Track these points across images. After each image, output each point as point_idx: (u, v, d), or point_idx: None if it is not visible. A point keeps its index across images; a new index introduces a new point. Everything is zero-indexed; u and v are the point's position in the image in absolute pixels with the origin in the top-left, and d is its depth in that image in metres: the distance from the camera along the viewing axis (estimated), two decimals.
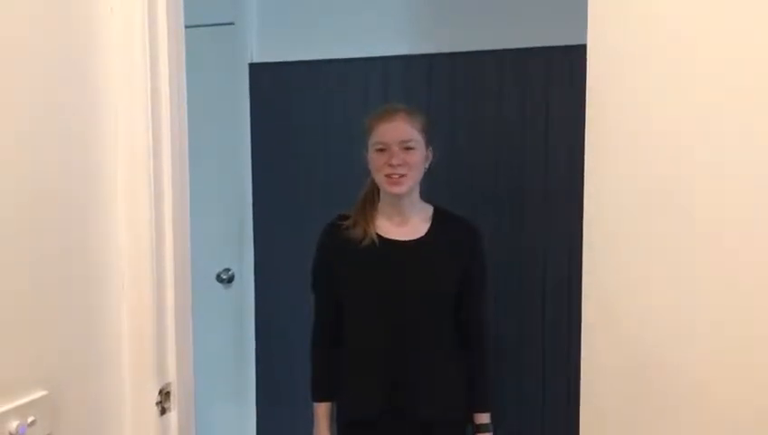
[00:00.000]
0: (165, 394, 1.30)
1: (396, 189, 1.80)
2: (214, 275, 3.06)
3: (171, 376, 1.31)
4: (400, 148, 1.78)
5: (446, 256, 1.87)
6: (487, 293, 1.98)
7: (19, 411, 1.06)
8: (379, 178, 1.82)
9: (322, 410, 1.93)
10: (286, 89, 2.84)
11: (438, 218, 1.91)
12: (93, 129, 1.20)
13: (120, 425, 1.28)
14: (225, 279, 3.06)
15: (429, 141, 1.86)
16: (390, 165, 1.78)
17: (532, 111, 2.52)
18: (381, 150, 1.80)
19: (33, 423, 1.08)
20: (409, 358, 1.83)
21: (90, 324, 1.21)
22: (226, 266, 3.06)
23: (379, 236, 1.86)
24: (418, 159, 1.81)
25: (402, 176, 1.78)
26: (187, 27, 1.35)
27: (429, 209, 1.92)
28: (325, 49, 2.76)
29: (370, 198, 1.91)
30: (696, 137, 0.99)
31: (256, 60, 2.89)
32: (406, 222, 1.88)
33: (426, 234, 1.87)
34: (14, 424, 1.04)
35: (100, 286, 1.22)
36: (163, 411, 1.30)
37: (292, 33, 2.84)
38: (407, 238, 1.86)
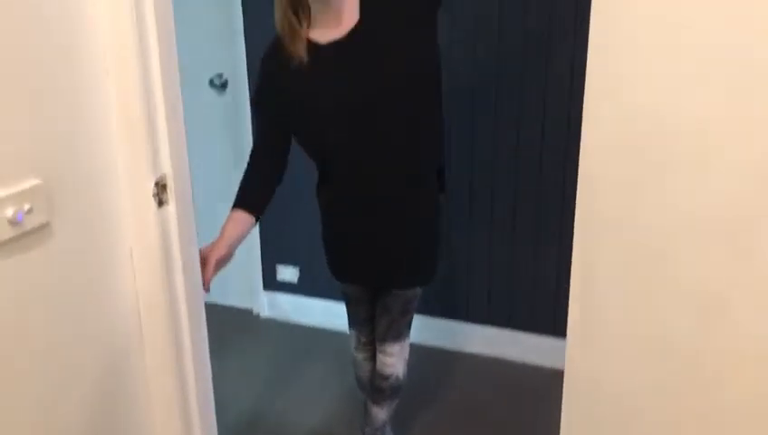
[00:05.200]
0: (161, 187, 1.29)
1: None
2: (206, 81, 2.99)
3: (166, 168, 1.29)
4: None
5: (394, 29, 1.66)
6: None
7: (14, 199, 1.06)
8: None
9: (232, 220, 1.71)
10: None
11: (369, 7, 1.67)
12: None
13: (118, 216, 1.29)
14: (219, 85, 2.99)
15: None
16: None
17: None
18: None
19: (29, 211, 1.08)
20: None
21: (78, 111, 1.17)
22: (219, 72, 2.99)
23: (316, 45, 1.68)
24: None
25: None
26: None
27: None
28: None
29: (293, 8, 1.67)
30: None
31: None
32: (341, 20, 1.67)
33: (356, 23, 1.66)
34: (10, 211, 1.05)
35: (86, 73, 1.17)
36: (161, 204, 1.30)
37: None
38: (337, 37, 1.67)
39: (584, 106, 1.04)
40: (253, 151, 1.84)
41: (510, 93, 2.56)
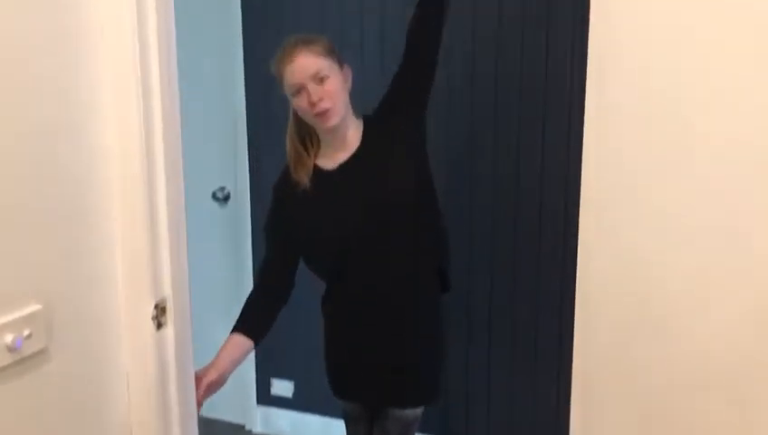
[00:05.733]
0: (161, 309, 1.30)
1: (329, 123, 1.71)
2: (209, 194, 3.05)
3: (166, 291, 1.31)
4: (314, 82, 1.68)
5: (393, 147, 1.77)
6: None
7: (14, 325, 1.06)
8: (310, 120, 1.74)
9: (230, 344, 1.72)
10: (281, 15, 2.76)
11: (368, 124, 1.80)
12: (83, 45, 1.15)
13: (116, 340, 1.28)
14: (221, 198, 3.05)
15: (340, 61, 1.75)
16: (312, 103, 1.68)
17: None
18: (299, 92, 1.70)
19: (29, 337, 1.08)
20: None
21: (82, 238, 1.20)
22: (222, 185, 3.05)
23: (323, 172, 1.78)
24: (336, 85, 1.71)
25: (328, 108, 1.69)
26: None
27: (361, 123, 1.81)
28: None
29: (300, 137, 1.80)
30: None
31: None
32: (346, 144, 1.78)
33: (358, 146, 1.77)
34: (9, 337, 1.05)
35: (91, 199, 1.21)
36: (159, 326, 1.30)
37: None
38: (341, 162, 1.78)
39: (579, 257, 1.07)
40: (260, 273, 1.88)
41: (505, 232, 2.62)
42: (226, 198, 3.05)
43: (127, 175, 1.24)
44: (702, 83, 1.00)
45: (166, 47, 1.26)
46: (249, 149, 2.95)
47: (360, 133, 1.79)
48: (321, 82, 1.69)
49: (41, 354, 1.12)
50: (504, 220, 2.59)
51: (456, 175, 2.60)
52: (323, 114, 1.69)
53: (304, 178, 1.76)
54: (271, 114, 2.83)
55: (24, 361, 1.09)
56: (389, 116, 1.81)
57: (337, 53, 1.75)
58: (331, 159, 1.79)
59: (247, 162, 2.96)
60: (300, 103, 1.72)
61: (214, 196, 3.05)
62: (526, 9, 2.45)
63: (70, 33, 1.14)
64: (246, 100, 2.89)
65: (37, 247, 1.11)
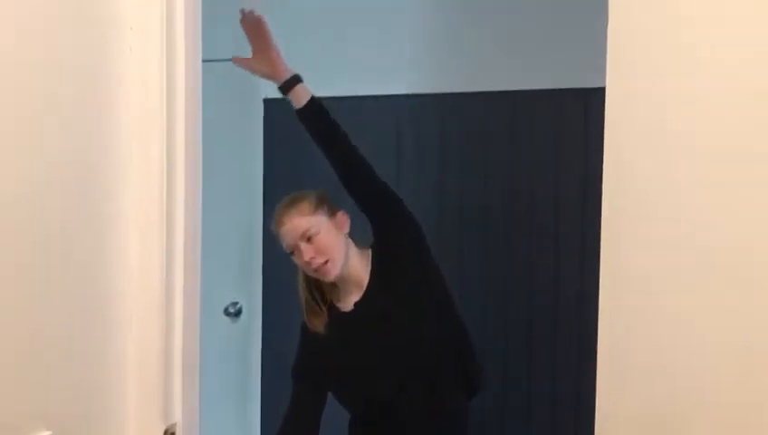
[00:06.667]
0: None
1: (328, 277, 1.75)
2: (221, 309, 3.05)
3: (176, 417, 1.29)
4: (305, 241, 1.73)
5: (399, 284, 1.78)
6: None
7: None
8: (312, 274, 1.78)
9: None
10: (299, 125, 2.85)
11: (376, 253, 1.82)
12: (107, 166, 1.20)
13: None
14: (233, 313, 3.05)
15: (331, 210, 1.78)
16: (307, 261, 1.73)
17: (545, 153, 2.52)
18: (294, 252, 1.76)
19: None
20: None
21: (95, 366, 1.20)
22: (234, 300, 3.05)
23: (342, 314, 1.81)
24: (327, 239, 1.74)
25: (324, 263, 1.73)
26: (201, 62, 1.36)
27: (369, 253, 1.82)
28: (339, 86, 2.77)
29: (309, 286, 1.83)
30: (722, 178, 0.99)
31: (270, 95, 2.90)
32: (360, 284, 1.81)
33: (368, 283, 1.79)
34: None
35: (106, 328, 1.21)
36: None
37: (307, 69, 2.85)
38: (355, 301, 1.80)
39: (597, 402, 1.06)
40: (286, 419, 1.84)
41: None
42: (238, 313, 3.05)
43: (144, 297, 1.25)
44: None
45: (193, 166, 1.31)
46: (264, 265, 2.97)
47: (369, 268, 1.80)
48: (310, 240, 1.73)
49: None
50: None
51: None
52: (320, 269, 1.74)
53: (318, 325, 1.80)
54: None
55: None
56: (385, 245, 1.82)
57: (327, 204, 1.78)
58: (346, 301, 1.82)
59: (261, 278, 2.98)
60: (298, 261, 1.77)
61: (226, 311, 3.05)
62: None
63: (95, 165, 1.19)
64: (263, 217, 2.94)
65: (50, 372, 1.11)
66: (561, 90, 2.48)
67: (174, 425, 1.29)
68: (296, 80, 1.80)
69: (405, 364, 1.76)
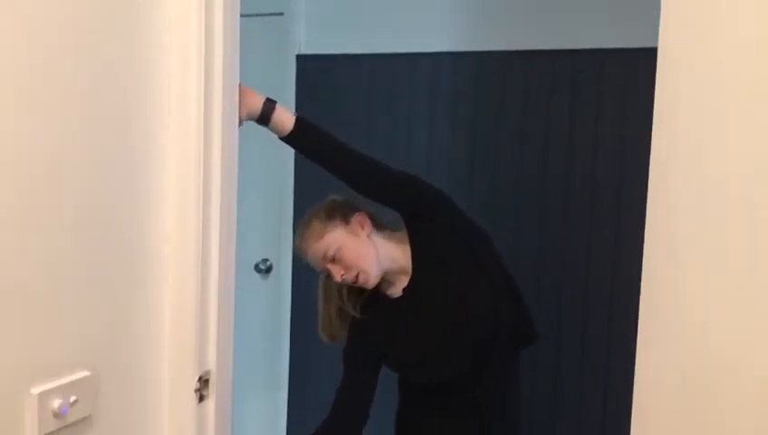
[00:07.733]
0: (204, 382, 1.29)
1: (369, 285, 1.70)
2: (252, 266, 3.07)
3: (211, 364, 1.30)
4: (329, 263, 1.68)
5: (442, 252, 1.71)
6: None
7: (62, 391, 1.06)
8: (354, 286, 1.73)
9: None
10: (333, 81, 2.83)
11: (412, 238, 1.74)
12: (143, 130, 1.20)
13: (158, 411, 1.27)
14: (264, 269, 3.07)
15: (345, 217, 1.70)
16: (340, 281, 1.69)
17: (582, 112, 2.47)
18: (328, 274, 1.72)
19: (74, 403, 1.08)
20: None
21: (133, 310, 1.21)
22: (265, 257, 3.07)
23: (392, 300, 1.76)
24: (350, 252, 1.67)
25: (357, 275, 1.67)
26: None
27: (405, 235, 1.74)
28: (373, 43, 2.74)
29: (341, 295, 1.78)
30: None
31: (304, 51, 2.88)
32: (405, 270, 1.74)
33: (413, 266, 1.72)
34: (56, 403, 1.04)
35: (141, 268, 1.22)
36: (201, 399, 1.29)
37: (341, 25, 2.82)
38: (404, 286, 1.74)
39: None
40: (335, 404, 1.78)
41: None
42: (268, 270, 3.07)
43: (179, 245, 1.26)
44: None
45: (229, 122, 1.31)
46: (294, 222, 2.98)
47: (409, 251, 1.73)
48: (334, 260, 1.68)
49: (84, 422, 1.11)
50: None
51: None
52: (357, 282, 1.69)
53: (341, 333, 1.77)
54: (316, 190, 2.87)
55: (66, 428, 1.08)
56: (418, 225, 1.74)
57: (339, 212, 1.71)
58: (395, 288, 1.76)
59: (291, 235, 2.97)
60: (335, 280, 1.71)
61: (256, 267, 3.07)
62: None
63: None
64: (294, 175, 2.94)
65: (88, 315, 1.12)
66: (602, 49, 2.42)
67: (208, 372, 1.30)
68: (271, 102, 1.57)
69: (468, 335, 1.71)
